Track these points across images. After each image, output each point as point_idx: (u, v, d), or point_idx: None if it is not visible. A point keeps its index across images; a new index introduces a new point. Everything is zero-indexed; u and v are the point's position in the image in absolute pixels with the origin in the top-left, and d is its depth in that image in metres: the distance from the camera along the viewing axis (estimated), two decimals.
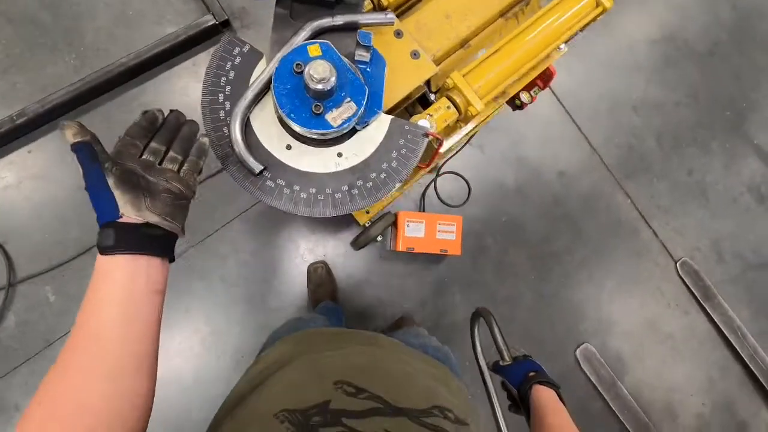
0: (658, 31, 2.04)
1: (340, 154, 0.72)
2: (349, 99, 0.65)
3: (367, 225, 1.58)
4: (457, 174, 1.80)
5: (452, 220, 1.61)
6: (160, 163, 0.50)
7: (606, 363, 1.77)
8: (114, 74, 1.58)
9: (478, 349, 0.89)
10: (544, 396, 0.72)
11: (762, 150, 2.03)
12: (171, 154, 0.51)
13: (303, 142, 0.71)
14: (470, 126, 1.66)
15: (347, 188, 0.71)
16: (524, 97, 1.29)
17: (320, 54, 0.65)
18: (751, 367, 1.83)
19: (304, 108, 0.64)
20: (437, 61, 0.83)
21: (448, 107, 0.81)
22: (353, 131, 0.72)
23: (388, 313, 1.70)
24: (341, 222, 1.69)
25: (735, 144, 2.02)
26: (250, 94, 0.68)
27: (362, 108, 0.65)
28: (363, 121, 0.70)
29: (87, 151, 0.46)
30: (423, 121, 0.78)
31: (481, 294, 1.76)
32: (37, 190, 1.56)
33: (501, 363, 0.82)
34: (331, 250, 1.70)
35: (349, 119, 0.65)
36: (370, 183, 0.72)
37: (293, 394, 0.50)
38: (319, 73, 0.59)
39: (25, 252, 1.54)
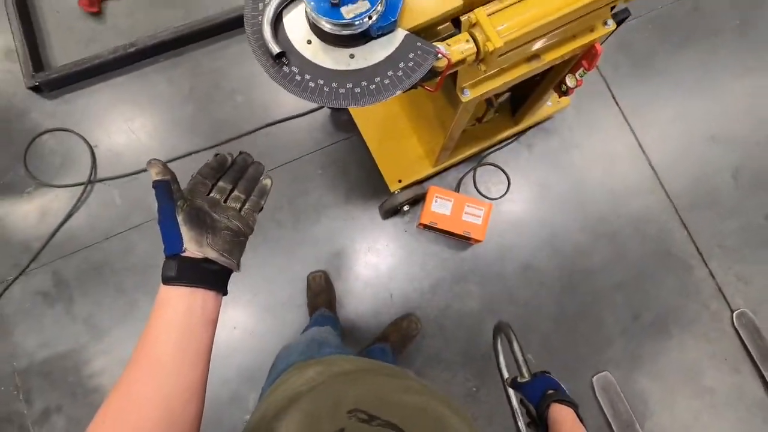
0: (754, 60, 1.88)
1: (352, 56, 0.78)
2: None
3: (396, 192, 1.62)
4: (498, 167, 1.78)
5: (482, 205, 1.60)
6: (225, 201, 0.55)
7: (625, 399, 1.60)
8: (207, 26, 1.83)
9: (502, 364, 0.89)
10: (561, 415, 0.71)
11: None
12: (235, 193, 0.56)
13: (323, 40, 0.79)
14: (521, 126, 1.66)
15: (351, 86, 0.77)
16: (569, 81, 1.27)
17: None
18: None
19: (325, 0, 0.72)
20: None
21: (467, 41, 0.84)
22: (369, 37, 0.78)
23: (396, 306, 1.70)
24: (375, 191, 1.75)
25: None
26: None
27: (374, 7, 0.71)
28: (377, 26, 0.76)
29: (164, 189, 0.51)
30: (440, 45, 0.82)
31: (499, 290, 1.71)
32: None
33: (519, 380, 0.81)
34: (361, 213, 1.77)
35: (360, 14, 0.71)
36: (374, 86, 0.77)
37: (310, 423, 0.53)
38: None
39: (112, 158, 1.80)
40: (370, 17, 0.74)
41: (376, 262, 1.74)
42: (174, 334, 0.48)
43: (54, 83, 1.81)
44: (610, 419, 1.59)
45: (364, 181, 1.76)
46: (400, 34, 0.79)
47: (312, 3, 0.72)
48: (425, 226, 1.64)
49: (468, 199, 1.60)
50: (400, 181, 1.64)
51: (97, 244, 1.74)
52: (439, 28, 0.90)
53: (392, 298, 1.71)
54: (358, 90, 0.77)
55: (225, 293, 0.54)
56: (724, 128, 1.83)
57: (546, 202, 1.77)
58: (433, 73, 0.84)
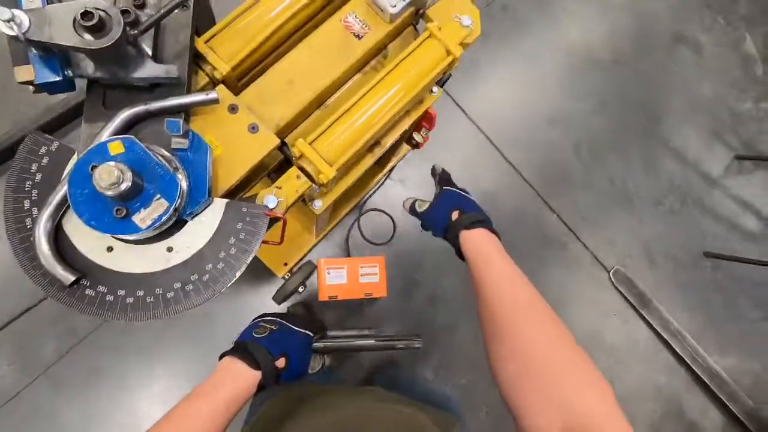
0: (562, 44, 2.09)
1: (170, 249, 0.66)
2: (159, 196, 0.60)
3: (285, 278, 1.51)
4: (380, 210, 1.76)
5: (374, 262, 1.56)
6: None
7: None
8: None
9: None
10: (472, 243, 0.66)
11: (677, 151, 2.09)
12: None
13: (126, 242, 0.65)
14: (390, 164, 1.64)
15: (180, 285, 0.66)
16: (417, 137, 1.27)
17: (123, 151, 0.60)
18: (694, 368, 1.84)
19: (107, 212, 0.58)
20: (283, 130, 0.79)
21: (298, 177, 0.77)
22: (183, 221, 0.66)
23: None
24: (261, 275, 1.63)
25: (651, 148, 2.07)
26: (54, 199, 0.62)
27: (174, 204, 0.60)
28: (187, 213, 0.65)
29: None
30: (269, 196, 0.74)
31: (415, 324, 1.72)
32: None
33: (417, 208, 0.78)
34: (254, 303, 1.63)
35: (159, 218, 0.59)
36: (207, 276, 0.67)
37: None
38: (105, 179, 0.54)
39: None
40: (176, 209, 0.62)
41: None
42: (222, 403, 0.58)
43: None
44: None
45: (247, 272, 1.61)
46: (218, 205, 0.68)
47: (93, 223, 0.58)
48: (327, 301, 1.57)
49: (359, 260, 1.54)
50: (286, 264, 1.53)
51: None
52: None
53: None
54: (189, 287, 0.66)
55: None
56: (556, 110, 2.02)
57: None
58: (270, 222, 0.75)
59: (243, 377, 0.61)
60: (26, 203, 0.63)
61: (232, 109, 0.73)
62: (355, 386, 0.79)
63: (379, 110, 0.80)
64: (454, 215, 0.71)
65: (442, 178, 0.83)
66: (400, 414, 0.65)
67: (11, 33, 0.53)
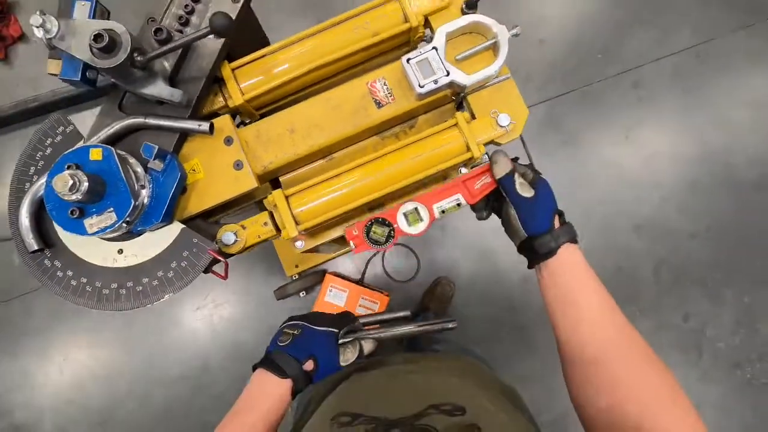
0: (692, 147, 1.76)
1: (121, 251, 0.72)
2: (111, 209, 0.64)
3: (293, 278, 1.56)
4: (409, 248, 1.71)
5: (377, 298, 1.54)
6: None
7: None
8: None
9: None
10: (572, 264, 0.61)
11: None
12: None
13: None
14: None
15: (116, 286, 0.71)
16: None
17: (101, 158, 0.65)
18: None
19: (66, 209, 0.64)
20: (273, 173, 0.80)
21: (265, 224, 0.77)
22: (140, 231, 0.71)
23: None
24: (276, 266, 1.69)
25: (759, 302, 1.68)
26: (47, 176, 0.70)
27: (121, 221, 0.64)
28: (137, 229, 0.69)
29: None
30: (229, 233, 0.75)
31: None
32: None
33: (517, 186, 0.66)
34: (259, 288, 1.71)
35: (104, 229, 0.64)
36: (140, 287, 0.71)
37: None
38: (59, 188, 0.59)
39: None
40: (127, 223, 0.67)
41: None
42: (257, 414, 0.60)
43: None
44: None
45: (261, 258, 1.70)
46: (175, 228, 0.72)
47: (53, 212, 0.64)
48: None
49: (364, 290, 1.54)
50: (297, 266, 1.58)
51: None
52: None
53: None
54: (123, 291, 0.71)
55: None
56: (649, 219, 1.73)
57: (456, 286, 1.69)
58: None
59: (275, 388, 0.63)
60: (32, 169, 0.73)
61: (228, 141, 0.75)
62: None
63: (369, 187, 0.76)
64: (556, 221, 0.64)
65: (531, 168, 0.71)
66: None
67: (40, 36, 0.60)
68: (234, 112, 0.80)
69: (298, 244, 0.97)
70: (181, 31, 0.73)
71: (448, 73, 0.74)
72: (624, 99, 1.76)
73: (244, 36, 0.82)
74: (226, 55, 0.77)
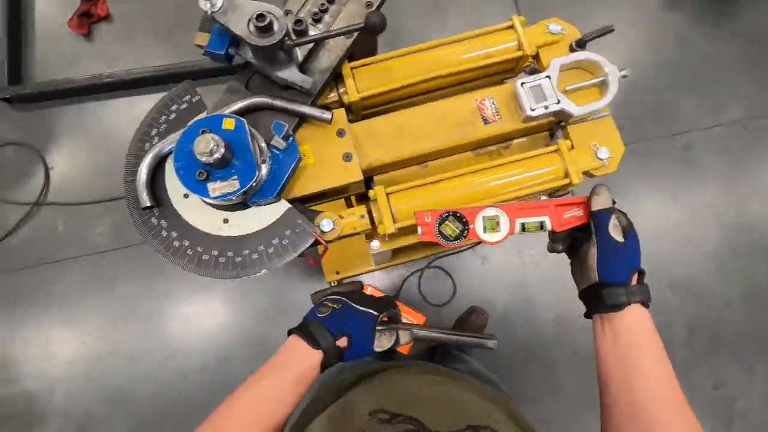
0: (734, 214, 1.79)
1: (226, 221, 0.74)
2: (236, 177, 0.67)
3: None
4: (447, 273, 1.71)
5: (414, 317, 1.53)
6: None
7: None
8: (187, 71, 1.81)
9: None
10: (641, 325, 0.58)
11: None
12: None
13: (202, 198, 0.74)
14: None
15: (216, 254, 0.72)
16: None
17: (233, 128, 0.68)
18: None
19: (194, 170, 0.67)
20: (375, 170, 0.82)
21: (362, 216, 0.79)
22: (246, 204, 0.73)
23: None
24: (314, 270, 1.70)
25: None
26: (172, 138, 0.74)
27: (243, 189, 0.66)
28: (251, 200, 0.71)
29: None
30: (328, 221, 0.77)
31: None
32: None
33: (610, 228, 0.61)
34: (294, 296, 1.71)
35: (226, 195, 0.66)
36: (240, 258, 0.72)
37: (334, 429, 0.57)
38: (200, 148, 0.62)
39: (66, 183, 1.79)
40: (245, 193, 0.69)
41: None
42: (290, 380, 0.60)
43: (26, 98, 1.80)
44: None
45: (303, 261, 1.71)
46: (282, 206, 0.74)
47: (180, 171, 0.67)
48: None
49: (402, 307, 1.53)
50: (337, 273, 1.58)
51: (31, 267, 1.71)
52: None
53: None
54: (222, 260, 0.72)
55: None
56: (686, 278, 1.74)
57: (491, 315, 1.69)
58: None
59: (306, 356, 0.62)
60: (154, 131, 0.76)
61: (340, 133, 0.79)
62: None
63: (463, 197, 0.78)
64: (634, 278, 0.61)
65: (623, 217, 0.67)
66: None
67: (205, 8, 0.65)
68: (345, 108, 0.84)
69: (374, 244, 0.99)
70: (316, 21, 0.78)
71: (558, 102, 0.78)
72: (674, 159, 1.80)
73: (362, 40, 0.87)
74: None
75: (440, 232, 0.70)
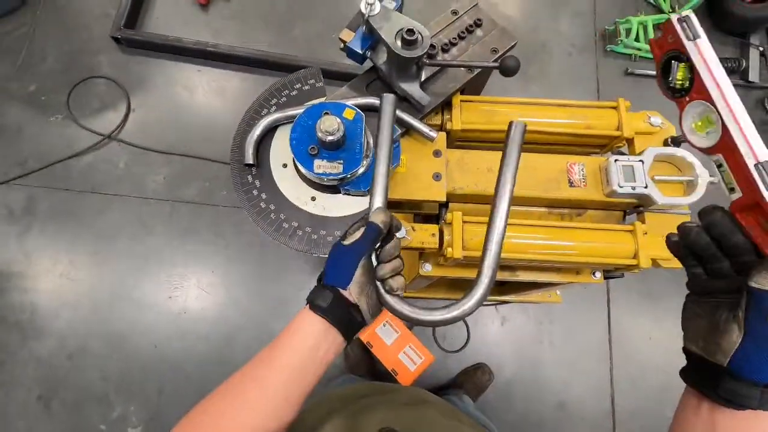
0: None
1: (314, 198, 0.78)
2: (342, 161, 0.72)
3: None
4: (464, 322, 1.71)
5: (424, 354, 1.52)
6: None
7: None
8: (282, 62, 1.93)
9: None
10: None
11: None
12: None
13: (297, 170, 0.79)
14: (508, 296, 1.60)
15: (297, 226, 0.76)
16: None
17: (351, 118, 0.74)
18: None
19: (306, 144, 0.72)
20: (457, 197, 0.86)
21: (433, 235, 0.82)
22: (337, 190, 0.78)
23: None
24: None
25: None
26: (289, 111, 0.80)
27: (344, 175, 0.71)
28: (345, 188, 0.76)
29: (374, 235, 0.53)
30: (404, 228, 0.81)
31: None
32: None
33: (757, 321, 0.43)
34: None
35: (328, 174, 0.71)
36: (316, 236, 0.76)
37: None
38: (326, 126, 0.67)
39: (141, 126, 1.89)
40: (342, 179, 0.74)
41: None
42: (297, 359, 0.51)
43: (134, 43, 1.94)
44: None
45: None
46: (366, 201, 0.78)
47: (294, 141, 0.72)
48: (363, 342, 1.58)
49: (414, 340, 1.52)
50: None
51: (81, 192, 1.79)
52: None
53: None
54: (299, 233, 0.76)
55: (348, 344, 0.56)
56: None
57: (496, 378, 1.66)
58: None
59: (313, 321, 0.54)
60: (273, 101, 0.83)
61: (437, 153, 0.83)
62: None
63: (532, 247, 0.81)
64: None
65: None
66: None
67: (364, 11, 0.72)
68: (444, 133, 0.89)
69: (427, 267, 1.01)
70: (444, 51, 0.85)
71: (646, 186, 0.81)
72: None
73: (476, 80, 0.94)
74: None
75: (667, 82, 0.51)
